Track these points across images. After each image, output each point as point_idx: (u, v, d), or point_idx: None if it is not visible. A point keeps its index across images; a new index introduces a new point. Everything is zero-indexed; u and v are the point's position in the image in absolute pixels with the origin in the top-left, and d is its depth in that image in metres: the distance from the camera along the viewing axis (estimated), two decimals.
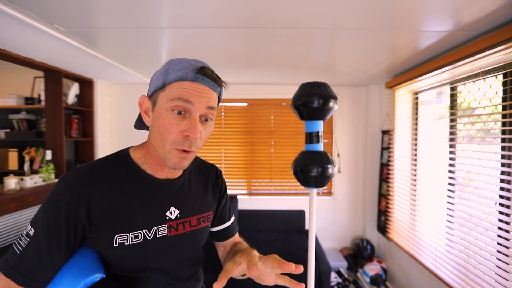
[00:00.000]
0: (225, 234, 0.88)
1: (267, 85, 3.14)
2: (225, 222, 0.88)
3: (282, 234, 2.91)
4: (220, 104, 0.87)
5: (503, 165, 1.52)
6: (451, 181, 1.92)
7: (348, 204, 3.21)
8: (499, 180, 1.55)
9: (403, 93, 2.55)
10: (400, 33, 1.60)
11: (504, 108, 1.54)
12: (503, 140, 1.55)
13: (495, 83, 1.61)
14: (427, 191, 2.22)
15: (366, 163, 3.15)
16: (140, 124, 0.76)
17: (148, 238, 0.65)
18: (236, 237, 0.91)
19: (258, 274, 0.62)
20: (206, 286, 0.90)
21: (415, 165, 2.36)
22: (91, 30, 1.60)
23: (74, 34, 1.65)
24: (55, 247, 0.58)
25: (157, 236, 0.66)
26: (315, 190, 0.67)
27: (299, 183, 0.68)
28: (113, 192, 0.63)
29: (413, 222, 2.35)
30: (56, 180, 2.37)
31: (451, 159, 1.95)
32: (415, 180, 2.37)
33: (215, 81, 0.64)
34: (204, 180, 0.82)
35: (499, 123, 1.57)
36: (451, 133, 1.99)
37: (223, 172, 3.24)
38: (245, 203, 3.19)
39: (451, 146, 1.96)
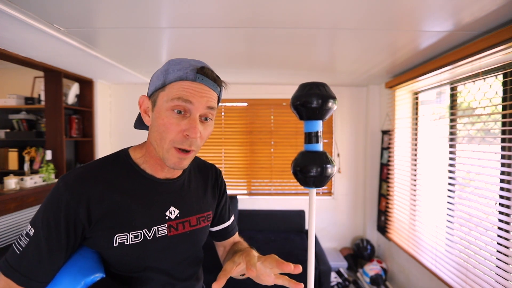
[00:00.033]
0: (225, 234, 0.88)
1: (267, 85, 3.14)
2: (224, 222, 0.88)
3: (282, 234, 2.91)
4: (220, 104, 0.87)
5: (503, 165, 1.52)
6: (451, 181, 1.92)
7: (348, 204, 3.21)
8: (499, 180, 1.55)
9: (403, 93, 2.55)
10: (400, 33, 1.60)
11: (504, 108, 1.53)
12: (503, 140, 1.55)
13: (495, 83, 1.60)
14: (427, 191, 2.22)
15: (366, 163, 3.15)
16: (139, 124, 0.76)
17: (148, 238, 0.65)
18: (236, 237, 0.91)
19: (257, 274, 0.63)
20: (206, 286, 0.90)
21: (415, 165, 2.36)
22: (91, 30, 1.60)
23: (74, 34, 1.65)
24: (55, 247, 0.58)
25: (157, 235, 0.66)
26: (314, 190, 0.67)
27: (299, 183, 0.68)
28: (113, 192, 0.63)
29: (413, 222, 2.35)
30: (56, 180, 2.38)
31: (451, 159, 1.95)
32: (415, 180, 2.37)
33: (215, 81, 0.64)
34: (204, 180, 0.82)
35: (499, 123, 1.57)
36: (451, 133, 1.99)
37: (223, 172, 3.27)
38: (245, 203, 3.19)
39: (451, 146, 1.95)
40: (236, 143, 3.24)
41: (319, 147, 0.66)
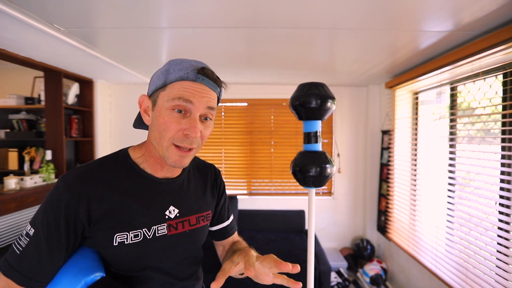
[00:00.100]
0: (224, 233, 0.88)
1: (267, 85, 3.14)
2: (224, 221, 0.88)
3: (282, 234, 2.91)
4: (220, 104, 0.88)
5: (503, 165, 1.52)
6: (451, 181, 1.92)
7: (348, 204, 3.21)
8: (499, 180, 1.55)
9: (403, 93, 2.55)
10: (400, 33, 1.60)
11: (504, 108, 1.53)
12: (503, 140, 1.55)
13: (495, 83, 1.60)
14: (427, 191, 2.22)
15: (366, 163, 3.15)
16: (139, 123, 0.77)
17: (148, 237, 0.65)
18: (235, 236, 0.92)
19: (255, 273, 0.63)
20: (206, 286, 0.90)
21: (415, 165, 2.36)
22: (91, 30, 1.60)
23: (74, 34, 1.65)
24: (55, 247, 0.58)
25: (156, 235, 0.67)
26: (314, 190, 0.67)
27: (298, 183, 0.68)
28: (113, 192, 0.63)
29: (413, 222, 2.35)
30: (56, 180, 2.38)
31: (451, 159, 1.95)
32: (415, 180, 2.37)
33: (215, 82, 0.65)
34: (203, 179, 0.83)
35: (499, 123, 1.57)
36: (451, 133, 1.99)
37: (223, 172, 3.27)
38: (245, 203, 3.19)
39: (451, 146, 1.95)
40: (236, 143, 3.24)
41: (318, 147, 0.66)
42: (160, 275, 0.69)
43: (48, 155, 2.47)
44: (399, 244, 2.50)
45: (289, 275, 0.64)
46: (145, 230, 0.65)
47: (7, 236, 1.94)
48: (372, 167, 3.06)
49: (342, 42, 1.77)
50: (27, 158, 2.55)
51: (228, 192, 3.27)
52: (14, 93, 2.69)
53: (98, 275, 0.61)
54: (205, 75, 0.63)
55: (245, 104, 3.23)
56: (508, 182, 1.48)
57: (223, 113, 3.22)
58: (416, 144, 2.37)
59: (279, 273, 0.64)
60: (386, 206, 2.76)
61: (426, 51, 1.88)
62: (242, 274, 0.70)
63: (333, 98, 0.64)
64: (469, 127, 1.85)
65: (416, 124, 2.41)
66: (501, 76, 1.55)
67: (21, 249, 0.57)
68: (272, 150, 3.22)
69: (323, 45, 1.84)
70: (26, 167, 2.48)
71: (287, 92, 3.10)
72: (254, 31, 1.60)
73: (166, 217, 0.69)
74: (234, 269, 0.64)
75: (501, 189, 1.51)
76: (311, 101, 0.62)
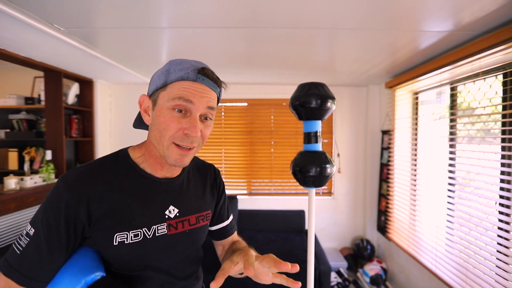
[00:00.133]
0: (224, 233, 0.89)
1: (267, 85, 3.14)
2: (223, 221, 0.88)
3: (282, 234, 2.91)
4: (220, 104, 0.88)
5: (503, 165, 1.52)
6: (451, 181, 1.92)
7: (348, 204, 3.21)
8: (499, 180, 1.55)
9: (403, 93, 2.55)
10: (400, 33, 1.60)
11: (504, 108, 1.53)
12: (503, 140, 1.55)
13: (495, 83, 1.60)
14: (427, 191, 2.22)
15: (366, 163, 3.15)
16: (138, 123, 0.77)
17: (148, 237, 0.66)
18: (235, 236, 0.92)
19: (255, 273, 0.63)
20: (205, 286, 0.90)
21: (415, 165, 2.36)
22: (91, 30, 1.60)
23: (74, 34, 1.65)
24: (55, 246, 0.58)
25: (156, 234, 0.67)
26: (314, 190, 0.67)
27: (298, 183, 0.68)
28: (113, 192, 0.64)
29: (413, 222, 2.35)
30: (56, 180, 2.38)
31: (451, 159, 1.95)
32: (415, 180, 2.37)
33: (215, 82, 0.66)
34: (203, 179, 0.83)
35: (499, 123, 1.57)
36: (451, 133, 1.99)
37: (223, 172, 3.28)
38: (245, 203, 3.19)
39: (451, 146, 1.95)
40: (236, 143, 3.24)
41: (318, 147, 0.67)
42: (160, 274, 0.69)
43: (48, 155, 2.47)
44: (399, 244, 2.50)
45: (288, 274, 0.64)
46: (145, 230, 0.65)
47: (7, 236, 1.94)
48: (372, 167, 3.06)
49: (342, 42, 1.77)
50: (27, 158, 2.55)
51: (228, 192, 3.29)
52: (14, 93, 2.69)
53: (98, 274, 0.61)
54: (205, 75, 0.63)
55: (245, 104, 3.23)
56: (508, 182, 1.48)
57: (223, 113, 3.22)
58: (416, 144, 2.38)
59: (279, 272, 0.64)
60: (386, 206, 2.76)
61: (426, 51, 1.88)
62: (241, 273, 0.70)
63: (333, 98, 0.64)
64: (469, 127, 1.85)
65: (416, 124, 2.41)
66: (501, 76, 1.55)
67: (21, 249, 0.57)
68: (272, 150, 3.22)
69: (323, 45, 1.84)
70: (26, 167, 2.48)
71: (287, 92, 3.10)
72: (254, 31, 1.60)
73: (166, 216, 0.69)
74: (233, 268, 0.65)
75: (501, 189, 1.51)
76: (311, 101, 0.62)
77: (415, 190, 2.36)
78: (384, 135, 2.86)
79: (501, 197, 1.51)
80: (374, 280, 2.57)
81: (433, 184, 2.14)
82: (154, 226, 0.67)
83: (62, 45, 1.79)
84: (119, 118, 3.20)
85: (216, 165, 0.90)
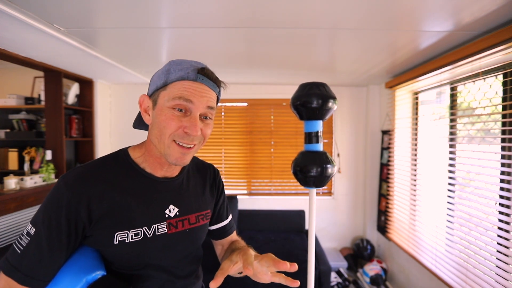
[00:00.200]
0: (223, 233, 0.89)
1: (267, 85, 3.14)
2: (222, 221, 0.89)
3: (282, 234, 2.91)
4: (220, 104, 0.88)
5: (503, 165, 1.52)
6: (451, 181, 1.92)
7: (348, 204, 3.21)
8: (499, 180, 1.55)
9: (403, 93, 2.55)
10: (400, 33, 1.60)
11: (504, 108, 1.54)
12: (503, 140, 1.55)
13: (495, 83, 1.61)
14: (427, 191, 2.22)
15: (366, 163, 3.15)
16: (138, 123, 0.77)
17: (148, 236, 0.66)
18: (234, 236, 0.93)
19: (254, 272, 0.64)
20: (205, 285, 0.90)
21: (415, 165, 2.36)
22: (91, 30, 1.60)
23: (74, 34, 1.65)
24: (56, 246, 0.58)
25: (156, 233, 0.67)
26: (314, 190, 0.67)
27: (299, 183, 0.68)
28: (113, 191, 0.64)
29: (413, 222, 2.35)
30: (56, 180, 2.38)
31: (451, 159, 1.95)
32: (415, 180, 2.37)
33: (215, 82, 0.67)
34: (202, 179, 0.83)
35: (499, 123, 1.57)
36: (451, 133, 1.99)
37: (223, 172, 3.28)
38: (245, 203, 3.19)
39: (451, 146, 1.96)
40: (236, 143, 3.24)
41: (319, 147, 0.67)
42: (160, 273, 0.69)
43: (48, 155, 2.47)
44: (399, 244, 2.50)
45: (287, 273, 0.64)
46: (145, 229, 0.66)
47: (7, 236, 1.94)
48: (372, 167, 3.06)
49: (342, 42, 1.77)
50: (27, 158, 2.55)
51: (228, 192, 3.29)
52: (14, 93, 2.69)
53: (99, 273, 0.61)
54: (205, 75, 0.64)
55: (245, 104, 3.23)
56: (508, 182, 1.48)
57: (223, 113, 3.22)
58: (416, 144, 2.38)
59: (277, 272, 0.65)
60: (386, 206, 2.76)
61: (426, 51, 1.88)
62: (240, 273, 0.70)
63: (334, 98, 0.64)
64: (469, 127, 1.85)
65: (416, 124, 2.41)
66: (501, 76, 1.55)
67: (22, 248, 0.57)
68: (272, 150, 3.22)
69: (323, 45, 1.84)
70: (26, 167, 2.48)
71: (287, 92, 3.10)
72: (254, 31, 1.60)
73: (166, 215, 0.70)
74: (232, 268, 0.65)
75: (501, 189, 1.51)
76: (312, 101, 0.62)
77: (415, 190, 2.36)
78: (384, 135, 2.87)
79: (501, 197, 1.51)
80: (374, 280, 2.57)
81: (433, 184, 2.14)
82: (154, 225, 0.67)
83: (62, 45, 1.79)
84: (119, 118, 3.20)
85: (216, 165, 0.91)
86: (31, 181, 2.19)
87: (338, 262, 2.83)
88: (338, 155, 3.17)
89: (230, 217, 0.92)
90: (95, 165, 0.66)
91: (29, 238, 0.58)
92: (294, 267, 0.59)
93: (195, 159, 0.86)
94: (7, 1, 1.23)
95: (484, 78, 1.64)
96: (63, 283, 0.58)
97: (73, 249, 0.62)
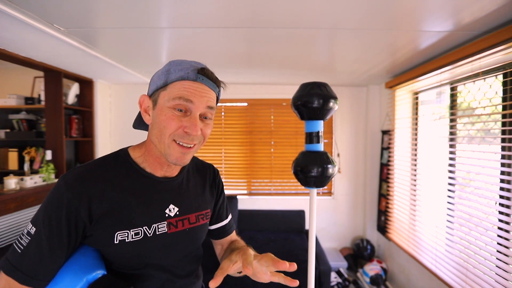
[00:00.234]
0: (223, 232, 0.90)
1: (267, 85, 3.14)
2: (222, 220, 0.89)
3: (282, 234, 2.91)
4: (220, 104, 0.89)
5: (503, 165, 1.52)
6: (451, 181, 1.92)
7: (348, 204, 3.21)
8: (499, 180, 1.55)
9: (403, 93, 2.55)
10: (400, 33, 1.60)
11: (504, 108, 1.54)
12: (503, 140, 1.55)
13: (495, 83, 1.61)
14: (427, 191, 2.22)
15: (366, 163, 3.15)
16: (138, 123, 0.77)
17: (148, 235, 0.66)
18: (233, 235, 0.93)
19: (253, 272, 0.64)
20: (205, 285, 0.90)
21: (415, 165, 2.36)
22: (91, 30, 1.60)
23: (74, 34, 1.65)
24: (56, 245, 0.58)
25: (157, 233, 0.67)
26: (315, 190, 0.67)
27: (299, 183, 0.68)
28: (113, 191, 0.64)
29: (413, 222, 2.35)
30: (56, 180, 2.38)
31: (451, 159, 1.95)
32: (415, 180, 2.37)
33: (215, 82, 0.67)
34: (202, 178, 0.84)
35: (499, 123, 1.58)
36: (451, 133, 1.99)
37: (223, 172, 3.27)
38: (245, 203, 3.19)
39: (451, 146, 1.96)
40: (236, 143, 3.23)
41: (320, 147, 0.66)
42: (160, 273, 0.69)
43: (48, 155, 2.47)
44: (399, 244, 2.50)
45: (286, 273, 0.65)
46: (145, 228, 0.66)
47: (7, 236, 1.94)
48: (372, 167, 3.06)
49: (342, 42, 1.77)
50: (27, 158, 2.55)
51: (228, 192, 3.28)
52: (14, 93, 2.69)
53: (99, 272, 0.61)
54: (205, 75, 0.64)
55: (245, 104, 3.23)
56: (508, 182, 1.48)
57: (223, 113, 3.22)
58: (416, 144, 2.38)
59: (277, 271, 0.65)
60: (386, 206, 2.76)
61: (426, 51, 1.88)
62: (240, 272, 0.71)
63: (335, 98, 0.64)
64: (469, 127, 1.85)
65: (416, 124, 2.41)
66: (501, 76, 1.55)
67: (22, 248, 0.57)
68: (272, 150, 3.22)
69: (323, 45, 1.84)
70: (26, 167, 2.48)
71: (287, 92, 3.10)
72: (254, 31, 1.60)
73: (166, 215, 0.70)
74: (232, 267, 0.65)
75: (501, 189, 1.51)
76: (313, 101, 0.62)
77: (415, 190, 2.36)
78: (384, 135, 2.87)
79: (501, 197, 1.51)
80: (374, 280, 2.57)
81: (433, 184, 2.14)
82: (155, 225, 0.67)
83: (62, 45, 1.78)
84: (119, 118, 3.20)
85: (216, 165, 0.91)
86: (31, 181, 2.19)
87: (338, 262, 2.83)
88: (338, 155, 3.17)
89: (230, 217, 0.92)
90: (95, 165, 0.66)
91: (29, 238, 0.58)
92: (293, 267, 0.59)
93: (195, 159, 0.86)
94: (7, 1, 1.23)
95: (484, 78, 1.64)
96: (64, 282, 0.58)
97: (74, 248, 0.62)
